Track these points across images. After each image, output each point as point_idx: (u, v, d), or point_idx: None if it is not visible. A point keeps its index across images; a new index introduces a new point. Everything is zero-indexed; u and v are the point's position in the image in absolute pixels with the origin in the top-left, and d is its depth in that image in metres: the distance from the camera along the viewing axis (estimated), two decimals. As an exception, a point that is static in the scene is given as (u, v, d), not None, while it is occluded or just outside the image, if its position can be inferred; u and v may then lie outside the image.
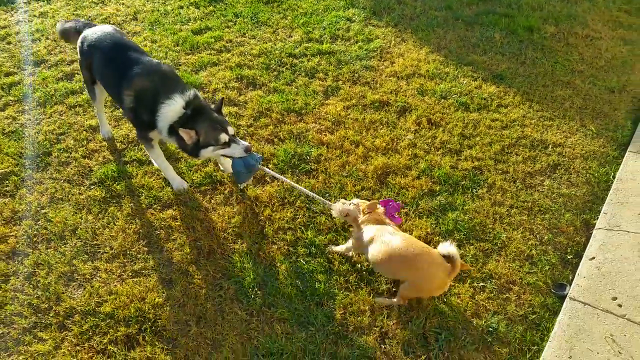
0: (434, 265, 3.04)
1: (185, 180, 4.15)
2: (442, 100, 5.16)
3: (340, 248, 3.58)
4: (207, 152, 3.56)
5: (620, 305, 3.27)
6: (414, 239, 3.22)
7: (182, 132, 3.45)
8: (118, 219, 3.87)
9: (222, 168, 4.25)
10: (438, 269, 3.03)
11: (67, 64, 5.67)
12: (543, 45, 6.10)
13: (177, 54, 5.88)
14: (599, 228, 3.82)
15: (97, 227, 3.81)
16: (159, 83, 3.60)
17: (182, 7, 6.93)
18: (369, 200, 3.60)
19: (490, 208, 3.99)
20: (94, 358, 3.01)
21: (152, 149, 3.96)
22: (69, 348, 3.05)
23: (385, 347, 3.09)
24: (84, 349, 3.05)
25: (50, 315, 3.24)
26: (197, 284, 3.43)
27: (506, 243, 3.72)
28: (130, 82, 3.61)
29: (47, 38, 6.17)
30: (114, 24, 6.37)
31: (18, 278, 3.46)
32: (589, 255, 3.62)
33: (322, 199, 3.73)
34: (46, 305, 3.29)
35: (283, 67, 5.69)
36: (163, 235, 3.77)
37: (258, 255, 3.62)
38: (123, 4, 7.03)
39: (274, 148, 4.52)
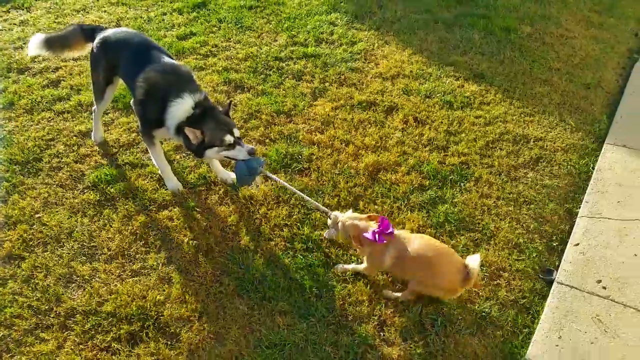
0: (452, 265, 3.10)
1: (180, 182, 4.19)
2: (427, 99, 5.30)
3: (351, 267, 3.53)
4: (211, 153, 3.60)
5: (604, 288, 3.42)
6: (430, 238, 3.30)
7: (188, 132, 3.50)
8: (114, 221, 3.89)
9: (213, 171, 4.30)
10: (455, 272, 3.07)
11: (52, 71, 5.64)
12: (520, 45, 6.30)
13: (162, 59, 5.90)
14: (582, 216, 3.98)
15: (93, 229, 3.82)
16: (172, 82, 3.66)
17: (165, 14, 6.95)
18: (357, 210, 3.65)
19: (478, 200, 4.12)
20: (98, 355, 3.03)
21: (153, 147, 3.99)
22: (72, 347, 3.06)
23: (384, 335, 3.17)
24: (88, 347, 3.07)
25: (51, 316, 3.24)
26: (197, 281, 3.47)
27: (495, 233, 3.85)
28: (146, 76, 3.68)
29: (30, 46, 6.14)
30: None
31: (16, 281, 3.44)
32: (574, 242, 3.77)
33: (325, 208, 3.70)
34: (46, 307, 3.29)
35: (270, 70, 5.77)
36: (160, 235, 3.80)
37: (256, 251, 3.68)
38: (105, 11, 7.03)
39: (266, 149, 4.59)
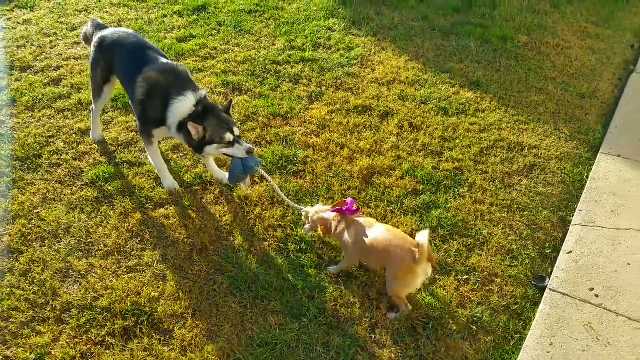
0: (404, 244, 3.15)
1: (176, 182, 4.23)
2: (422, 105, 5.36)
3: (337, 267, 3.61)
4: (211, 149, 3.67)
5: (597, 296, 3.43)
6: (390, 227, 3.37)
7: (191, 127, 3.56)
8: (111, 217, 3.93)
9: (209, 170, 4.35)
10: (408, 251, 3.11)
11: (54, 70, 5.70)
12: (516, 54, 6.38)
13: (163, 60, 5.96)
14: (575, 224, 4.01)
15: (90, 225, 3.87)
16: (172, 81, 3.75)
17: (165, 16, 7.02)
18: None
19: (471, 206, 4.16)
20: (92, 349, 3.06)
21: (151, 146, 4.05)
22: (67, 340, 3.10)
23: (375, 337, 3.20)
24: (82, 341, 3.10)
25: (48, 309, 3.28)
26: (191, 279, 3.51)
27: (488, 238, 3.89)
28: (146, 76, 3.76)
29: (32, 45, 6.19)
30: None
31: (14, 275, 3.49)
32: (567, 250, 3.79)
33: (298, 206, 3.85)
34: (43, 300, 3.33)
35: (267, 73, 5.83)
36: (156, 233, 3.84)
37: (250, 251, 3.72)
38: (107, 12, 7.10)
39: (262, 150, 4.64)
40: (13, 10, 7.03)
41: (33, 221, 3.88)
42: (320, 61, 6.06)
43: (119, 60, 4.10)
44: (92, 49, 4.26)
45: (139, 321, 3.22)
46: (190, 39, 6.46)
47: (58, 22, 6.75)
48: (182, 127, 3.66)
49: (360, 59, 6.16)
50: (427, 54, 6.34)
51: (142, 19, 6.93)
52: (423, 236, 3.05)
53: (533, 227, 4.03)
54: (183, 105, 3.66)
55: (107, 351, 3.07)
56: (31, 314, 3.25)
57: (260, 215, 3.99)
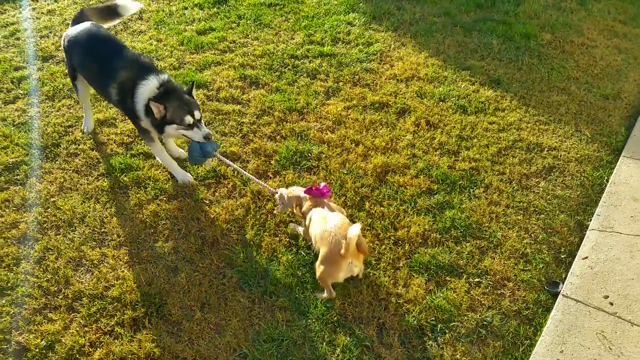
0: (335, 239, 3.16)
1: (190, 174, 4.26)
2: (441, 102, 5.30)
3: (297, 229, 3.78)
4: (170, 129, 3.77)
5: (611, 304, 3.35)
6: (345, 219, 3.37)
7: (153, 105, 3.66)
8: (125, 208, 3.99)
9: (166, 146, 4.42)
10: (335, 246, 3.14)
11: (75, 60, 5.78)
12: (539, 52, 6.24)
13: (182, 52, 6.01)
14: (592, 229, 3.91)
15: (104, 215, 3.93)
16: (136, 70, 3.86)
17: (186, 8, 7.06)
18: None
19: (486, 207, 4.10)
20: (101, 338, 3.12)
21: (152, 143, 4.12)
22: (78, 329, 3.16)
23: (382, 337, 3.18)
24: (92, 329, 3.16)
25: (60, 297, 3.35)
26: (201, 272, 3.54)
27: (502, 241, 3.83)
28: (114, 75, 3.89)
29: (55, 35, 6.29)
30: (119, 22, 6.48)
31: (29, 262, 3.57)
32: (582, 255, 3.70)
33: (272, 189, 3.95)
34: (55, 288, 3.40)
35: (285, 67, 5.82)
36: (169, 225, 3.88)
37: (260, 246, 3.73)
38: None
39: (276, 145, 4.64)
40: (37, 1, 7.14)
41: (49, 209, 3.96)
42: (338, 56, 6.02)
43: (79, 63, 4.26)
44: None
45: (148, 312, 3.26)
46: (210, 31, 6.48)
47: (81, 12, 6.82)
48: (148, 110, 3.74)
49: (379, 55, 6.10)
50: (448, 50, 6.25)
51: (162, 10, 6.97)
52: (352, 231, 3.04)
53: (549, 230, 3.95)
54: (147, 89, 3.77)
55: (116, 341, 3.12)
56: (43, 301, 3.32)
57: (272, 210, 4.00)
